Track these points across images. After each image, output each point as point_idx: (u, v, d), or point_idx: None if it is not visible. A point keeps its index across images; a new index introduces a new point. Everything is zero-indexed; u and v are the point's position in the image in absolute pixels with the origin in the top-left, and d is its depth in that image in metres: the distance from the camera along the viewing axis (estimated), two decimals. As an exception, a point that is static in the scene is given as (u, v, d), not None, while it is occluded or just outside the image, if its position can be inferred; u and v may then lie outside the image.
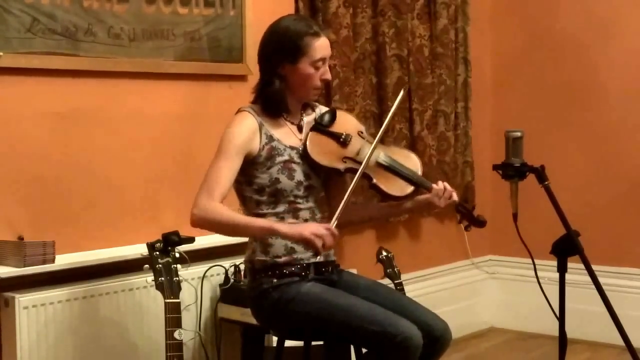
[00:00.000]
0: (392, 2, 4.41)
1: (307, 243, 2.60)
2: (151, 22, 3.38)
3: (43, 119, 3.15)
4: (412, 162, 2.90)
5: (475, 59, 4.97)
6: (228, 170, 2.69)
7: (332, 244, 2.61)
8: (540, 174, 2.81)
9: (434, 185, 2.84)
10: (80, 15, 3.17)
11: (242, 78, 3.73)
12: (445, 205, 2.88)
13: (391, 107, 3.00)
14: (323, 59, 2.79)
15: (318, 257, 2.67)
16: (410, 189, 2.84)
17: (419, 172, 2.87)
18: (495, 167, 2.88)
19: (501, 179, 2.90)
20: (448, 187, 2.86)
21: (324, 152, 2.80)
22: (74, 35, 3.16)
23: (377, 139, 2.80)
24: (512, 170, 2.84)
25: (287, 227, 2.63)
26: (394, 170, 2.83)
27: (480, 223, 2.91)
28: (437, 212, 4.76)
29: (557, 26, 4.92)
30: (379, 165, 2.83)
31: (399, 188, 2.83)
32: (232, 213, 2.66)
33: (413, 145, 4.53)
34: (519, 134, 2.86)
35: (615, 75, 4.74)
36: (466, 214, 2.91)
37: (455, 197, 2.87)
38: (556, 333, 2.81)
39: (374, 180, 2.80)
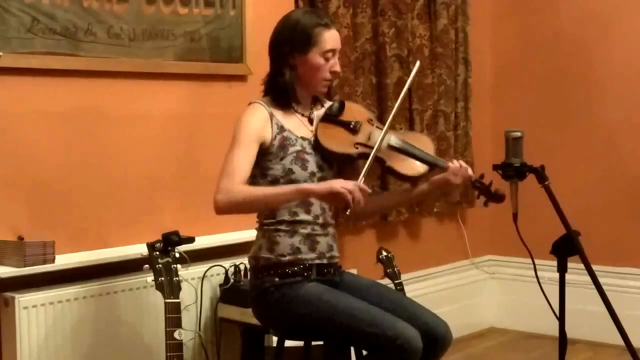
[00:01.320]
0: (392, 2, 4.41)
1: (337, 196, 2.57)
2: (151, 22, 3.38)
3: (43, 119, 3.15)
4: (424, 143, 2.89)
5: (475, 59, 4.97)
6: (245, 157, 2.69)
7: (361, 199, 2.56)
8: (540, 174, 2.80)
9: (450, 164, 2.83)
10: (80, 15, 3.17)
11: (242, 78, 3.73)
12: (462, 182, 2.86)
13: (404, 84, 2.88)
14: (333, 51, 2.80)
15: (348, 212, 2.58)
16: (424, 168, 2.82)
17: (432, 152, 2.86)
18: (495, 167, 2.88)
19: (501, 179, 2.90)
20: (463, 163, 2.85)
21: (335, 140, 2.80)
22: (74, 35, 3.16)
23: (388, 122, 2.79)
24: (512, 170, 2.83)
25: (317, 186, 2.64)
26: (406, 151, 2.82)
27: (498, 197, 2.87)
28: (437, 212, 4.76)
29: (557, 26, 4.92)
30: (391, 148, 2.82)
31: (413, 168, 2.82)
32: (254, 188, 2.67)
33: (413, 145, 4.53)
34: (519, 134, 2.85)
35: (615, 75, 4.74)
36: (483, 189, 2.88)
37: (470, 172, 2.86)
38: (556, 333, 2.81)
39: (387, 163, 2.80)
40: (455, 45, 4.83)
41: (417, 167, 2.82)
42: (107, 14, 3.24)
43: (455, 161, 2.86)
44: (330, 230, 2.86)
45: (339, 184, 2.58)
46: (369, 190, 2.63)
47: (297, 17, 2.83)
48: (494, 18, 5.19)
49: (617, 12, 4.73)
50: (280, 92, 2.81)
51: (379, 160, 2.79)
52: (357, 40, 4.24)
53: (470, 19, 4.92)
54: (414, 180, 2.87)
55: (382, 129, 2.79)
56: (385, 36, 4.36)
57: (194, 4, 3.52)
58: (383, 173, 4.13)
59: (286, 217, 2.79)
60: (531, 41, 5.03)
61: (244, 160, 2.68)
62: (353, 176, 2.83)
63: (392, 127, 2.90)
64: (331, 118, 2.85)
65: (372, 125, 2.87)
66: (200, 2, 3.54)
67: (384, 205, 3.26)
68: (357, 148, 2.80)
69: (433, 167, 2.83)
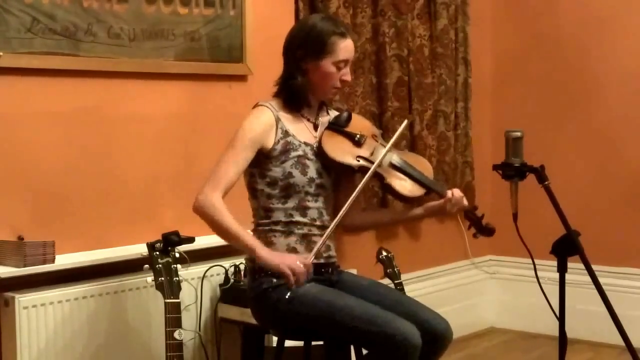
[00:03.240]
0: (392, 2, 4.41)
1: (282, 274, 2.61)
2: (151, 22, 3.38)
3: (43, 119, 3.15)
4: (424, 166, 2.94)
5: (475, 59, 4.97)
6: (237, 163, 2.71)
7: (303, 281, 2.62)
8: (540, 174, 2.81)
9: (448, 192, 2.86)
10: (80, 15, 3.17)
11: (242, 78, 3.73)
12: (457, 212, 2.92)
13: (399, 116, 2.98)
14: (346, 61, 2.82)
15: (287, 294, 2.65)
16: (421, 191, 2.86)
17: (431, 177, 2.91)
18: (495, 167, 2.88)
19: (501, 179, 2.90)
20: (459, 192, 2.89)
21: (338, 149, 2.82)
22: (74, 35, 3.16)
23: (391, 141, 2.84)
24: (512, 170, 2.84)
25: (268, 254, 2.65)
26: (406, 172, 2.86)
27: (488, 231, 2.94)
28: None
29: (557, 26, 4.92)
30: (392, 166, 2.86)
31: (411, 189, 2.85)
32: (230, 218, 2.67)
33: (413, 145, 4.53)
34: (519, 134, 2.86)
35: (615, 75, 4.74)
36: (475, 221, 2.93)
37: (465, 202, 2.90)
38: (556, 333, 2.81)
39: (387, 180, 2.83)
40: (455, 45, 4.83)
41: (415, 189, 2.86)
42: (107, 14, 3.24)
43: (452, 190, 2.88)
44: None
45: (288, 263, 2.60)
46: (311, 270, 2.66)
47: (314, 22, 2.84)
48: (494, 18, 5.19)
49: (616, 12, 4.73)
50: (293, 95, 2.83)
51: (378, 177, 2.82)
52: (357, 40, 4.24)
53: (470, 19, 4.92)
54: (410, 200, 2.91)
55: (385, 146, 2.82)
56: (385, 36, 4.36)
57: (194, 4, 3.52)
58: (381, 190, 4.16)
59: (282, 218, 2.80)
60: (531, 41, 5.03)
61: (234, 167, 2.71)
62: (349, 188, 2.85)
63: (396, 146, 2.93)
64: (337, 128, 2.87)
65: (377, 141, 2.90)
66: (200, 2, 3.54)
67: (380, 221, 3.36)
68: (358, 161, 2.82)
69: (430, 191, 2.87)
